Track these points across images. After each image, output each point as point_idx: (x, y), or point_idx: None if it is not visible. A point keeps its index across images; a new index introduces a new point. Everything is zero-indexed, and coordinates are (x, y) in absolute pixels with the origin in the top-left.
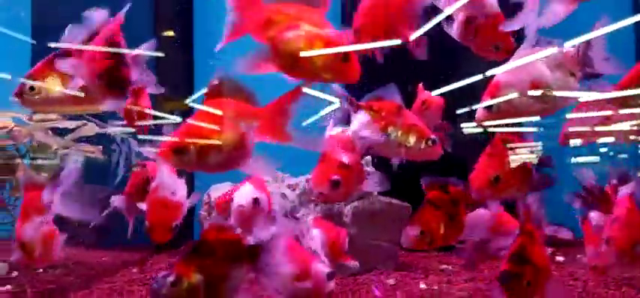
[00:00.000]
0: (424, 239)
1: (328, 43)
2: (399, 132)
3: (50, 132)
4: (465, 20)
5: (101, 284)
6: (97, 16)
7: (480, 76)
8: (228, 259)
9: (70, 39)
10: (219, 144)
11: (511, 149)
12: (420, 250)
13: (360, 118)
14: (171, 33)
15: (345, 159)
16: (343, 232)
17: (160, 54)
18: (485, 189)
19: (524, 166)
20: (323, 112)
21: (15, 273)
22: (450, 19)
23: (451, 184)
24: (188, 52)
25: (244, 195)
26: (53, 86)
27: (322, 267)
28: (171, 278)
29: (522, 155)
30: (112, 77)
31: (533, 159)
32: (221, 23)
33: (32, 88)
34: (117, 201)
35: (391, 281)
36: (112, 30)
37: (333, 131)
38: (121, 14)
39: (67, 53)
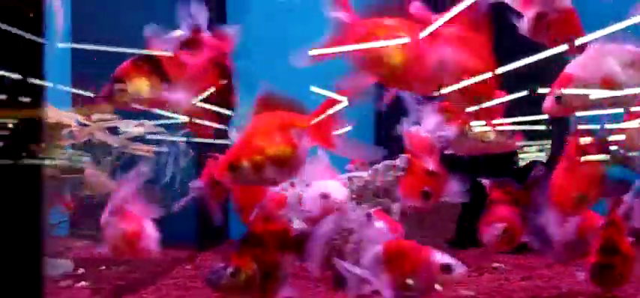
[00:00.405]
0: (505, 239)
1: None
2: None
3: (107, 131)
4: (536, 16)
5: (164, 280)
6: (198, 16)
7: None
8: (278, 248)
9: (165, 40)
10: (280, 156)
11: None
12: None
13: (433, 118)
14: (180, 32)
15: (431, 166)
16: (400, 226)
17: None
18: (569, 208)
19: (601, 174)
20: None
21: (81, 270)
22: (519, 15)
23: (508, 184)
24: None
25: (325, 189)
26: (140, 87)
27: (438, 258)
28: (230, 270)
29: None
30: (219, 100)
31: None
32: (253, 20)
33: (121, 89)
34: (196, 187)
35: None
36: (221, 49)
37: (411, 132)
38: (232, 34)
39: (153, 56)
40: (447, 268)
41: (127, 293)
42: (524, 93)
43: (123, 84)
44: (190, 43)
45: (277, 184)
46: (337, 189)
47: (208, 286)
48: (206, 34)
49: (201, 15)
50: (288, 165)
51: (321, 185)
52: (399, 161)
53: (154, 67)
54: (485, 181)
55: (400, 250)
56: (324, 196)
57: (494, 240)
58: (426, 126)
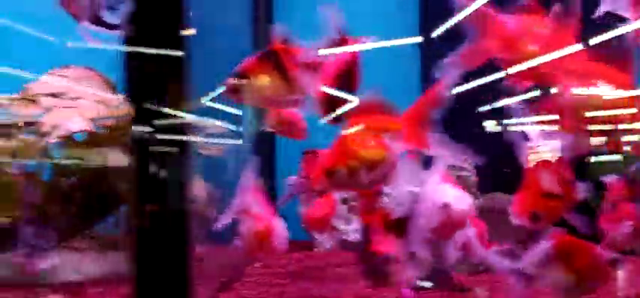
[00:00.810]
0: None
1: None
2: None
3: None
4: None
5: (246, 277)
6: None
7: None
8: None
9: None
10: (374, 161)
11: None
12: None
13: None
14: (192, 31)
15: (551, 183)
16: (483, 225)
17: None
18: None
19: None
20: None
21: None
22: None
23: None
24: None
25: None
26: (263, 83)
27: (603, 252)
28: (389, 258)
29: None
30: (337, 104)
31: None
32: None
33: (244, 85)
34: (294, 184)
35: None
36: (352, 59)
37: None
38: (367, 42)
39: (274, 52)
40: (616, 263)
41: (224, 289)
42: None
43: (246, 80)
44: (333, 46)
45: (372, 188)
46: (460, 198)
47: (377, 282)
48: (349, 38)
49: (341, 17)
50: (382, 170)
51: (441, 193)
52: (460, 161)
53: (278, 65)
54: (608, 179)
55: (573, 246)
56: (445, 206)
57: (623, 239)
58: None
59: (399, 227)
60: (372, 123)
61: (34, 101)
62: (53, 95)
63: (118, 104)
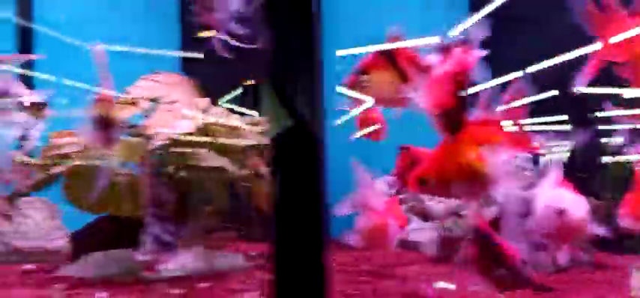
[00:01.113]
0: None
1: None
2: None
3: None
4: None
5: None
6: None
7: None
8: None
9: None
10: (469, 172)
11: None
12: None
13: None
14: (208, 33)
15: None
16: None
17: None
18: None
19: None
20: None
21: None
22: None
23: None
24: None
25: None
26: (383, 81)
27: None
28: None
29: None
30: (449, 115)
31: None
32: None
33: (365, 81)
34: (389, 182)
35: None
36: (464, 66)
37: None
38: (476, 53)
39: (390, 51)
40: None
41: None
42: (555, 92)
43: (367, 76)
44: (443, 50)
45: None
46: (576, 203)
47: (501, 285)
48: (459, 46)
49: (466, 25)
50: (478, 181)
51: (556, 198)
52: (521, 161)
53: (395, 64)
54: None
55: None
56: (560, 212)
57: None
58: None
59: (497, 228)
60: (474, 133)
61: (134, 104)
62: (152, 99)
63: (207, 107)
